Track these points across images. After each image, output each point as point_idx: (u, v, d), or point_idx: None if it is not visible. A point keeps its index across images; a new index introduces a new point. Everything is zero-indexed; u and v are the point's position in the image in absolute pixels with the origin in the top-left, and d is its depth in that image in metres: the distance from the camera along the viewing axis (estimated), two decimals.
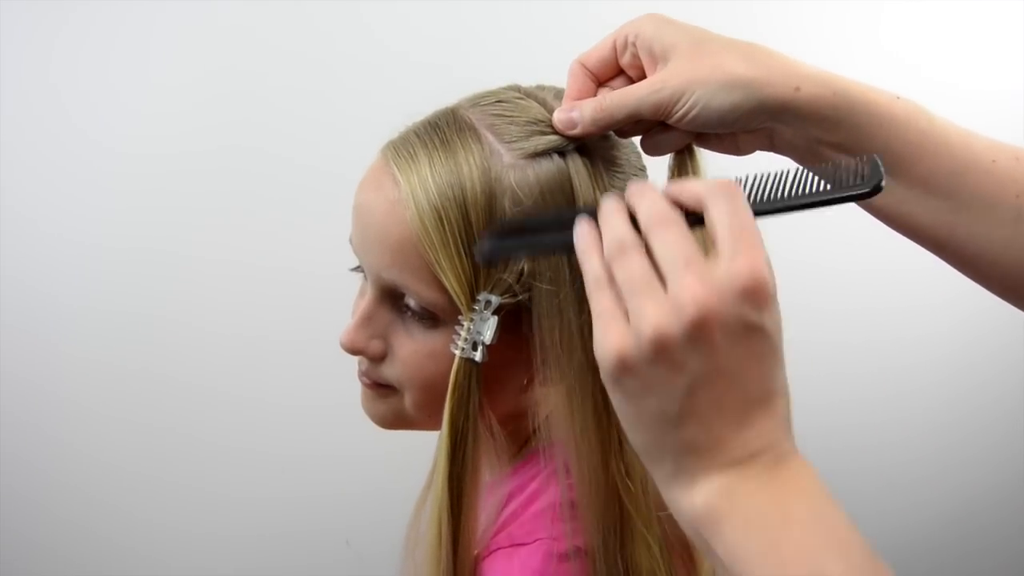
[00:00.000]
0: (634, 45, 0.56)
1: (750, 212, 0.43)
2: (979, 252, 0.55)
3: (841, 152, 0.55)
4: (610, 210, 0.45)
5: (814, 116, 0.53)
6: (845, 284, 1.58)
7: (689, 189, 0.45)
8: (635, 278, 0.42)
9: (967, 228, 0.54)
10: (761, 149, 0.57)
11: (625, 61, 0.57)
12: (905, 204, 0.55)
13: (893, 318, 1.64)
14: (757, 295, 0.41)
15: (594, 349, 0.43)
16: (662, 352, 0.41)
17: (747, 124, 0.54)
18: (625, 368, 0.42)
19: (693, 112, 0.53)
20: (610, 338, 0.42)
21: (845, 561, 0.40)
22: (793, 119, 0.54)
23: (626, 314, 0.42)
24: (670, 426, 0.42)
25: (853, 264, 1.56)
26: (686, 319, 0.40)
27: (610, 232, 0.44)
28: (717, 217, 0.43)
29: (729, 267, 0.41)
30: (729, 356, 0.41)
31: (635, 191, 0.45)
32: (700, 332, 0.40)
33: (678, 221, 0.43)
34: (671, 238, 0.42)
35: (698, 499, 0.42)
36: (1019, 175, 0.54)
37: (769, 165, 0.50)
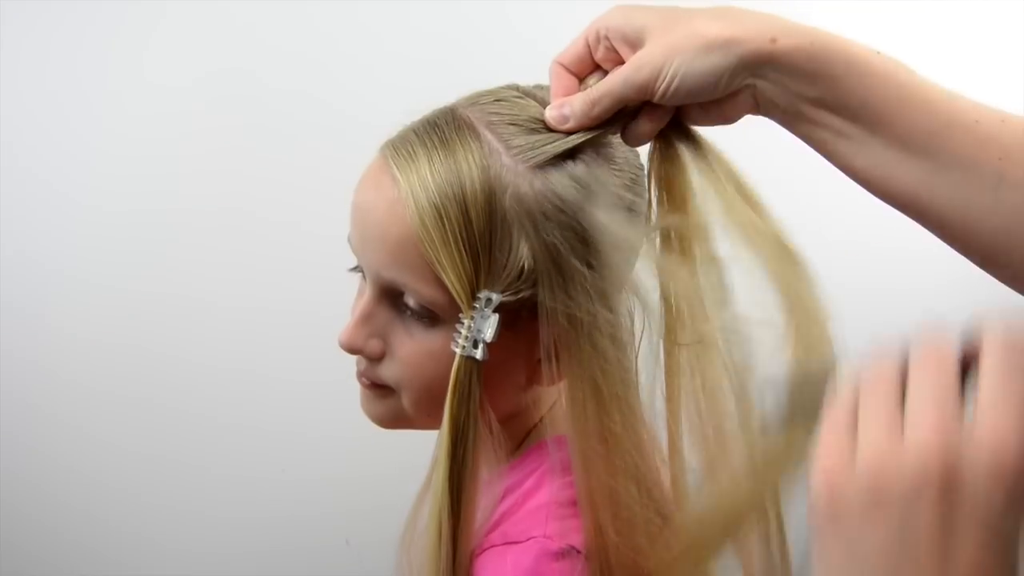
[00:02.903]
0: (607, 39, 0.56)
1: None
2: (960, 219, 0.52)
3: (822, 109, 0.53)
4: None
5: (792, 68, 0.52)
6: (840, 278, 1.58)
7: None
8: (875, 409, 0.37)
9: (947, 192, 0.51)
10: (748, 112, 0.56)
11: (600, 55, 0.57)
12: (885, 166, 0.53)
13: (888, 312, 1.63)
14: (1000, 474, 0.33)
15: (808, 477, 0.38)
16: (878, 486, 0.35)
17: (729, 85, 0.53)
18: (833, 495, 0.36)
19: (675, 83, 0.53)
20: (823, 461, 0.37)
21: None
22: (772, 72, 0.53)
23: (853, 444, 0.36)
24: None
25: (848, 256, 1.55)
26: (912, 459, 0.34)
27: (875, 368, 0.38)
28: (984, 370, 0.36)
29: (977, 426, 0.34)
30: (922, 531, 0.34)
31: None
32: (922, 482, 0.34)
33: (945, 365, 0.36)
34: (929, 379, 0.36)
35: None
36: (1004, 137, 0.50)
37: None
